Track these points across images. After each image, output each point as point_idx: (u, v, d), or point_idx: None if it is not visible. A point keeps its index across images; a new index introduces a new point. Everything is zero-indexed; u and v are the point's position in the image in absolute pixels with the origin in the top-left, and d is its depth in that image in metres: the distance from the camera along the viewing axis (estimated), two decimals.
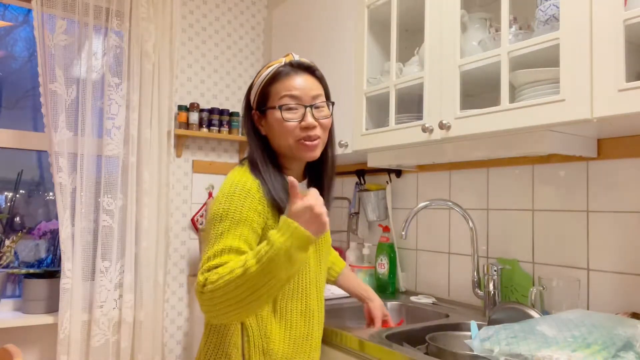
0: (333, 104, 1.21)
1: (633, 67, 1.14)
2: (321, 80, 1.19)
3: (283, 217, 0.94)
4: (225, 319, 0.94)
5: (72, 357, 2.06)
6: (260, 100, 1.15)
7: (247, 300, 0.91)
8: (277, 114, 1.11)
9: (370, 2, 1.77)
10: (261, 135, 1.17)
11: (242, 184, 1.06)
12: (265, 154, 1.14)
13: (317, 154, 1.16)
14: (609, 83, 1.06)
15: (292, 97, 1.11)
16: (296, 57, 1.17)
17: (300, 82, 1.13)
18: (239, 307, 0.91)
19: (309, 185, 1.24)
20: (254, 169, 1.12)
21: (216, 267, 0.95)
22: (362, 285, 1.53)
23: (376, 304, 1.47)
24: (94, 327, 2.13)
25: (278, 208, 1.08)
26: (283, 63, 1.15)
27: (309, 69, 1.16)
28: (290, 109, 1.11)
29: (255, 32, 2.83)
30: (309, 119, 1.11)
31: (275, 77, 1.13)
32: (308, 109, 1.12)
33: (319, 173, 1.24)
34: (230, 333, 1.09)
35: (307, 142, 1.12)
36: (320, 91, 1.17)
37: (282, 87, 1.11)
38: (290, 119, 1.11)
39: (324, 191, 1.22)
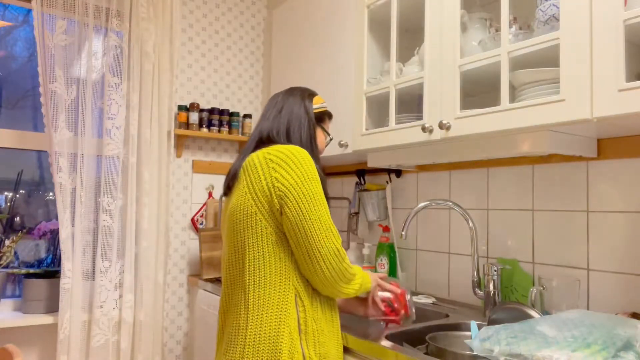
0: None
1: (633, 67, 1.14)
2: None
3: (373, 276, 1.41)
4: (338, 285, 1.20)
5: (72, 357, 2.06)
6: (319, 117, 1.43)
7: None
8: (324, 137, 1.46)
9: (370, 2, 1.77)
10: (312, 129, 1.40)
11: (304, 152, 1.24)
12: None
13: None
14: (609, 83, 1.06)
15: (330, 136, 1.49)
16: None
17: None
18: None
19: None
20: (312, 153, 1.32)
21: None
22: None
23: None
24: (94, 327, 2.13)
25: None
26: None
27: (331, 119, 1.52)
28: (326, 137, 1.48)
29: (255, 32, 2.83)
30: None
31: (329, 114, 1.48)
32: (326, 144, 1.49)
33: None
34: (288, 305, 1.18)
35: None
36: None
37: (329, 125, 1.49)
38: (327, 143, 1.48)
39: None
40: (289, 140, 1.32)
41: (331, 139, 1.49)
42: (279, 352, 1.13)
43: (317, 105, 1.43)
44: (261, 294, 1.17)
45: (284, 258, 1.19)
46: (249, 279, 1.19)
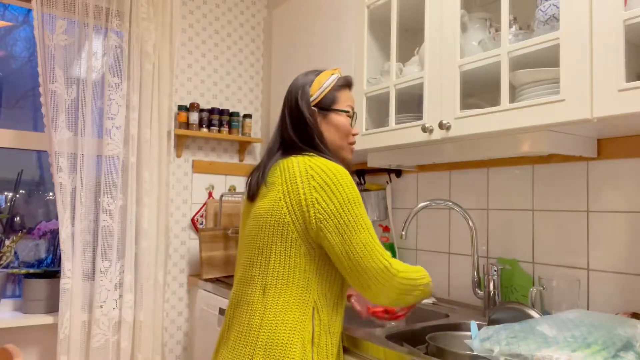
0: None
1: (633, 67, 1.14)
2: None
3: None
4: (397, 296, 1.18)
5: (72, 357, 2.06)
6: (325, 101, 1.31)
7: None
8: (342, 118, 1.31)
9: (370, 2, 1.77)
10: (319, 128, 1.31)
11: (343, 171, 1.20)
12: (327, 148, 1.30)
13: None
14: (609, 83, 1.06)
15: (352, 107, 1.34)
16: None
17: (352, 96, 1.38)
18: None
19: None
20: (330, 158, 1.24)
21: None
22: None
23: None
24: (94, 327, 2.13)
25: None
26: (340, 74, 1.35)
27: (351, 87, 1.39)
28: (349, 117, 1.33)
29: (255, 32, 2.83)
30: (356, 128, 1.37)
31: (342, 85, 1.33)
32: (353, 119, 1.36)
33: None
34: (305, 317, 1.17)
35: (352, 146, 1.36)
36: None
37: (347, 97, 1.33)
38: (349, 123, 1.33)
39: None
40: (305, 144, 1.26)
41: (354, 114, 1.35)
42: None
43: (317, 92, 1.30)
44: (280, 301, 1.16)
45: (309, 270, 1.17)
46: (270, 281, 1.17)
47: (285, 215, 1.16)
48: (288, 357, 1.12)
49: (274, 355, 1.12)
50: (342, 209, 1.14)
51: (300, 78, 1.33)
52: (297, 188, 1.16)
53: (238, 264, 1.30)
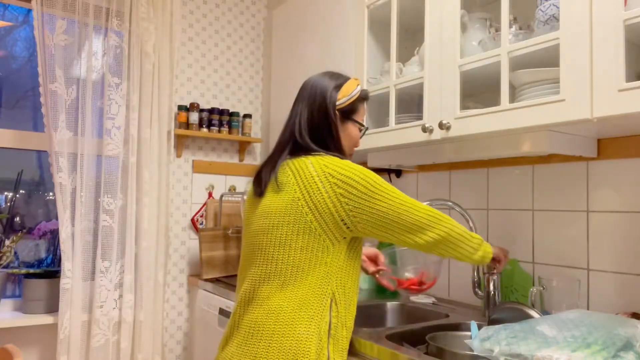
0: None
1: (633, 67, 1.14)
2: None
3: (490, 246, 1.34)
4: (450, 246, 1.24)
5: (72, 357, 2.06)
6: (348, 109, 1.33)
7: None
8: (357, 129, 1.36)
9: (370, 2, 1.77)
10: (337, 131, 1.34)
11: (357, 165, 1.24)
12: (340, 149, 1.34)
13: None
14: (609, 83, 1.06)
15: (364, 122, 1.39)
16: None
17: None
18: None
19: None
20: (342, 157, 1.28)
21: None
22: None
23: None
24: (94, 327, 2.13)
25: None
26: (362, 87, 1.39)
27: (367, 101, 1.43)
28: (360, 129, 1.38)
29: (255, 32, 2.83)
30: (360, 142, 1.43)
31: (364, 98, 1.37)
32: (362, 134, 1.41)
33: None
34: (323, 309, 1.18)
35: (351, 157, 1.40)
36: None
37: (364, 110, 1.39)
38: (361, 136, 1.40)
39: None
40: (318, 144, 1.28)
41: (366, 129, 1.40)
42: (307, 354, 1.12)
43: (343, 98, 1.33)
44: (299, 294, 1.17)
45: (330, 262, 1.18)
46: (290, 276, 1.18)
47: (306, 214, 1.18)
48: (304, 348, 1.13)
49: (290, 347, 1.13)
50: (369, 193, 1.17)
51: (325, 80, 1.34)
52: (318, 188, 1.18)
53: (245, 262, 1.29)
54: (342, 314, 1.20)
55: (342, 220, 1.17)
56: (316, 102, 1.31)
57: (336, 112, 1.31)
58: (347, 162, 1.23)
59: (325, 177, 1.18)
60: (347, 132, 1.34)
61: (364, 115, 1.38)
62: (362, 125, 1.37)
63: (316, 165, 1.21)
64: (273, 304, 1.17)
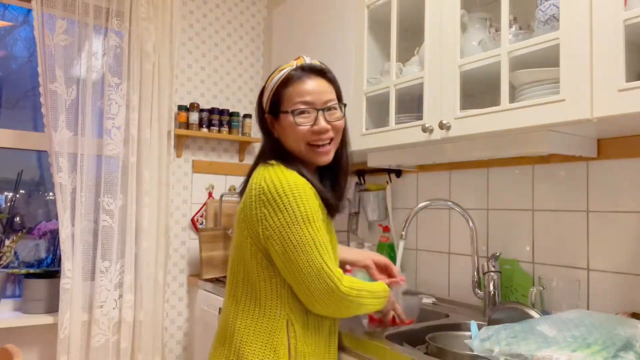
0: (345, 105, 1.22)
1: (633, 67, 1.13)
2: (333, 82, 1.23)
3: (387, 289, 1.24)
4: (348, 313, 1.14)
5: (72, 357, 2.06)
6: (273, 104, 1.18)
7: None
8: (290, 118, 1.14)
9: (370, 2, 1.77)
10: (275, 137, 1.21)
11: (299, 183, 1.10)
12: (290, 155, 1.19)
13: (329, 158, 1.21)
14: (609, 83, 1.06)
15: (305, 102, 1.15)
16: (307, 60, 1.20)
17: (312, 86, 1.16)
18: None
19: (321, 180, 1.25)
20: (291, 166, 1.15)
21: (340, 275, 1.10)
22: (357, 252, 1.46)
23: (373, 270, 1.42)
24: (94, 327, 2.13)
25: (326, 204, 1.17)
26: (295, 66, 1.18)
27: (321, 72, 1.20)
28: (302, 113, 1.14)
29: (255, 32, 2.83)
30: (322, 123, 1.16)
31: (287, 81, 1.16)
32: (320, 113, 1.16)
33: (334, 173, 1.27)
34: (278, 330, 1.12)
35: (319, 149, 1.17)
36: (332, 94, 1.20)
37: (295, 92, 1.15)
38: (302, 123, 1.15)
39: (341, 191, 1.27)
40: (273, 155, 1.19)
41: (300, 112, 1.14)
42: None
43: (265, 97, 1.20)
44: (251, 313, 1.14)
45: (276, 282, 1.13)
46: (242, 292, 1.16)
47: (243, 230, 1.14)
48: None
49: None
50: (289, 226, 1.07)
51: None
52: (251, 202, 1.12)
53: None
54: (299, 333, 1.13)
55: (262, 243, 1.11)
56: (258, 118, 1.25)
57: (264, 116, 1.21)
58: (289, 179, 1.10)
59: (258, 193, 1.11)
60: (283, 127, 1.17)
61: (296, 97, 1.15)
62: (288, 112, 1.14)
63: (258, 177, 1.14)
64: (230, 317, 1.17)
